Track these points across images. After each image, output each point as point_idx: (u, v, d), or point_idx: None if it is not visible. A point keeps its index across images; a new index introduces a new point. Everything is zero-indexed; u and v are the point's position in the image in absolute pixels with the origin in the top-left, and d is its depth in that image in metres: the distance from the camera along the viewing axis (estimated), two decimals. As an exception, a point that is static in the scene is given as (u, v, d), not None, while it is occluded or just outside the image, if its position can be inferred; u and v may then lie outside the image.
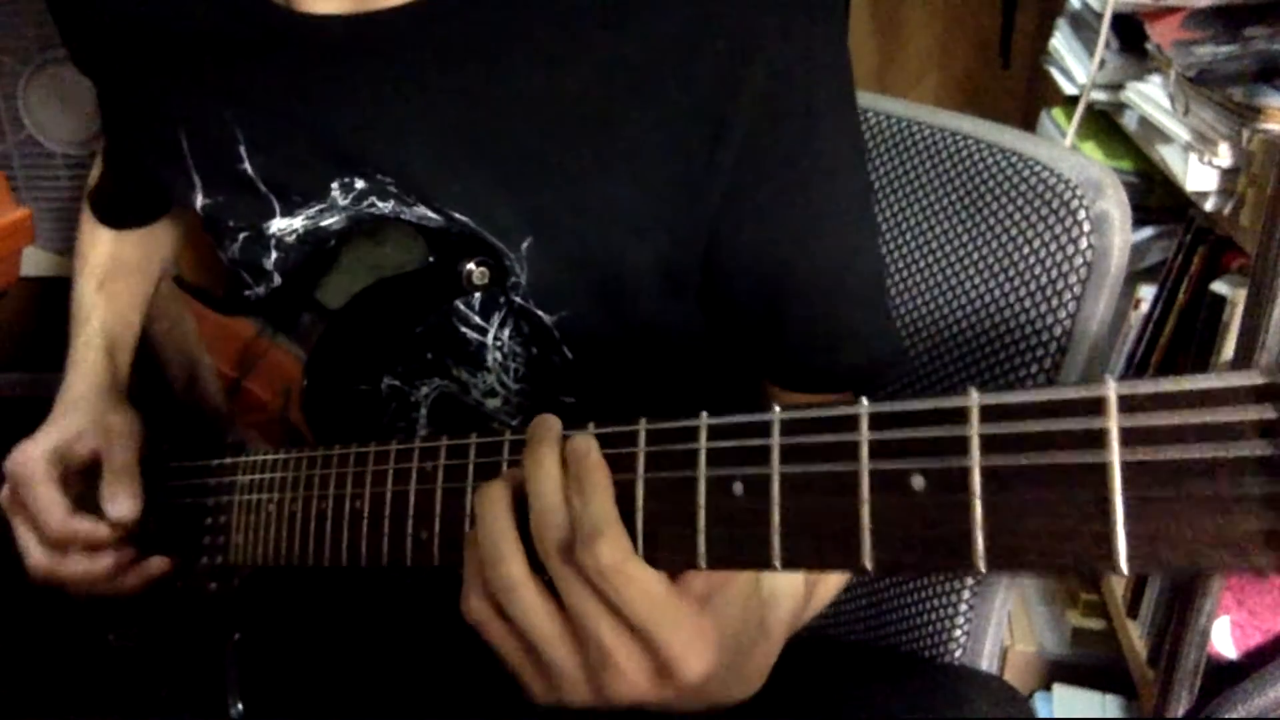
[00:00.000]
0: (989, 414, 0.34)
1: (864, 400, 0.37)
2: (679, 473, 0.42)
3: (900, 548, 0.35)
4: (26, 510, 0.74)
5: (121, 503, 0.73)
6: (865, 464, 0.36)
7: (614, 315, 0.67)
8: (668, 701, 0.45)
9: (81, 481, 0.75)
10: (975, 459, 0.33)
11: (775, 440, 0.39)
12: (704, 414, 0.42)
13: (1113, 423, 0.31)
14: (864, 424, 0.37)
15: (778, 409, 0.40)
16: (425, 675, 0.78)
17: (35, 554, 0.74)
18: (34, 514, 0.73)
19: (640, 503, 0.43)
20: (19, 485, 0.74)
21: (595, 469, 0.44)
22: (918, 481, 0.35)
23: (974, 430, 0.34)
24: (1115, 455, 0.31)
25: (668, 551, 0.43)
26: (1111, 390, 0.31)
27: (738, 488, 0.40)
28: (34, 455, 0.74)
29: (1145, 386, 0.30)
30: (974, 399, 0.34)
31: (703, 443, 0.42)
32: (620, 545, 0.42)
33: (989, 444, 0.33)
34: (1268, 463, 0.28)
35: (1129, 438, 0.31)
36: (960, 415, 0.34)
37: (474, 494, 0.48)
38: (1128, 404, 0.31)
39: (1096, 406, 0.31)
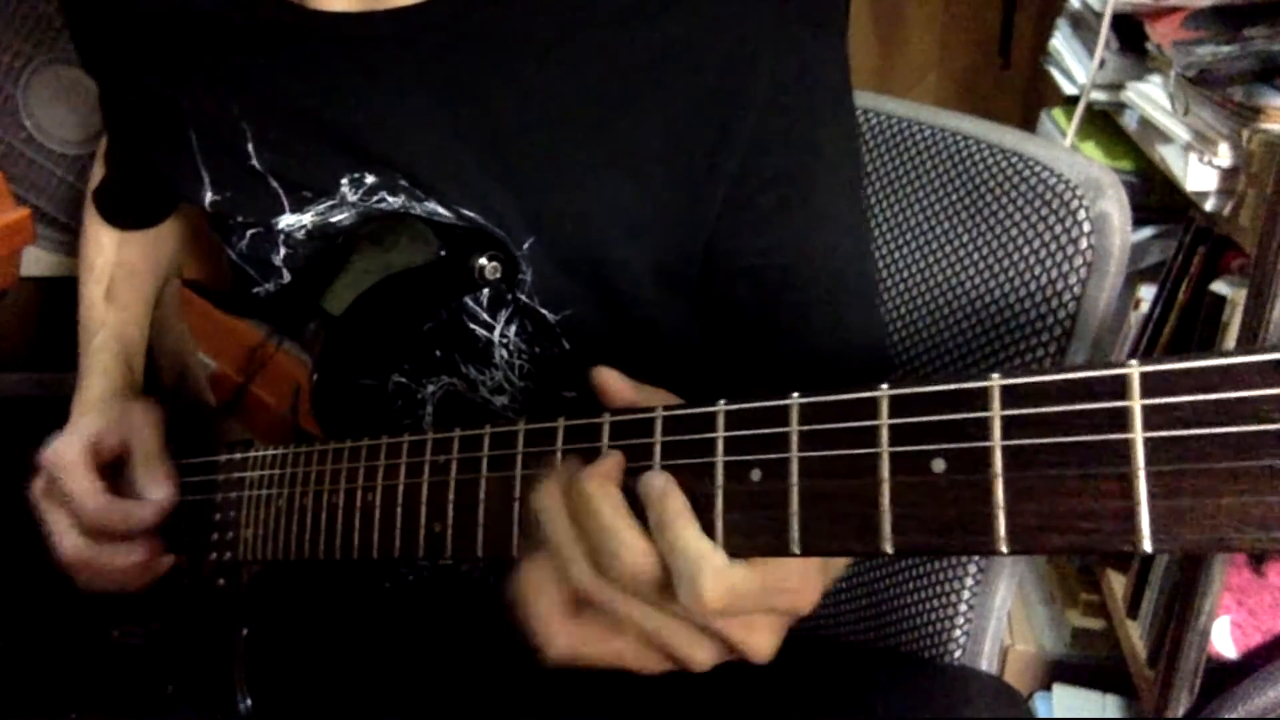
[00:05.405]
0: (1010, 396, 0.34)
1: (884, 385, 0.37)
2: (696, 459, 0.42)
3: (920, 530, 0.36)
4: (63, 499, 0.74)
5: (160, 485, 0.73)
6: (886, 448, 0.37)
7: (614, 315, 0.67)
8: None
9: (109, 476, 0.75)
10: (997, 439, 0.34)
11: (794, 427, 0.39)
12: (721, 401, 0.42)
13: (1136, 403, 0.31)
14: (884, 408, 0.37)
15: (796, 394, 0.40)
16: (432, 672, 0.78)
17: (71, 542, 0.74)
18: (73, 500, 0.73)
19: None
20: (56, 475, 0.73)
21: (677, 510, 0.42)
22: (938, 464, 0.35)
23: (995, 411, 0.34)
24: (1139, 434, 0.31)
25: None
26: (1135, 370, 0.31)
27: (755, 474, 0.40)
28: (69, 445, 0.74)
29: (1168, 366, 0.31)
30: (995, 380, 0.34)
31: (720, 430, 0.42)
32: (724, 581, 0.40)
33: (1010, 425, 0.34)
34: None
35: (1152, 416, 0.31)
36: (981, 397, 0.34)
37: (538, 502, 0.46)
38: (1151, 383, 0.31)
39: (1120, 387, 0.31)
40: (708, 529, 0.41)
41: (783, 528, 0.39)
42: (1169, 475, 0.30)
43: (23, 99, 1.27)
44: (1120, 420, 0.31)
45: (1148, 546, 0.30)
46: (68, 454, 0.73)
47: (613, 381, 0.50)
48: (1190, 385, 0.30)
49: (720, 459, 0.41)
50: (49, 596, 0.80)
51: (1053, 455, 0.33)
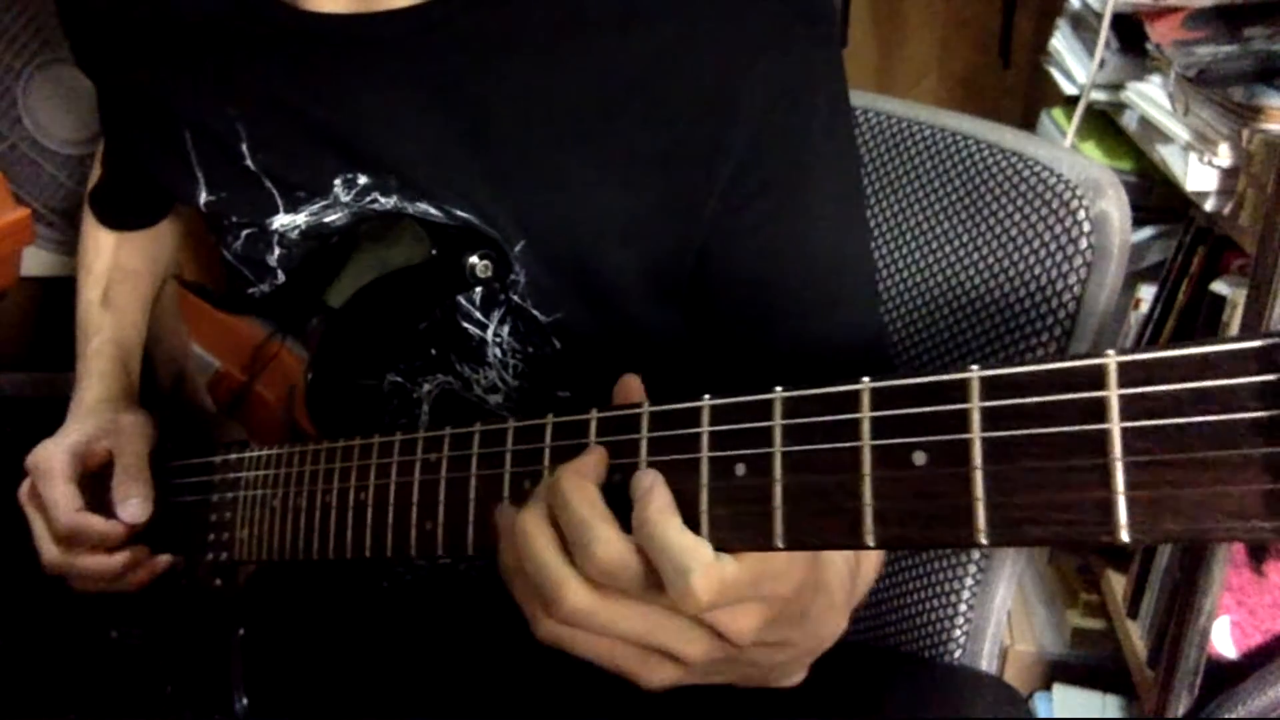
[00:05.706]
0: (990, 388, 0.34)
1: (865, 378, 0.37)
2: (681, 454, 0.42)
3: (902, 523, 0.36)
4: (42, 504, 0.74)
5: (132, 503, 0.74)
6: (867, 441, 0.37)
7: (605, 319, 0.67)
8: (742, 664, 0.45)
9: (97, 483, 0.76)
10: (976, 431, 0.34)
11: (777, 421, 0.39)
12: (706, 396, 0.42)
13: (1113, 393, 0.31)
14: (865, 401, 0.37)
15: (780, 389, 0.40)
16: (428, 671, 0.78)
17: (48, 548, 0.75)
18: (48, 509, 0.73)
19: None
20: (37, 480, 0.74)
21: (660, 506, 0.42)
22: (919, 457, 0.35)
23: (975, 404, 0.34)
24: (1116, 424, 0.31)
25: None
26: (1112, 361, 0.31)
27: (740, 468, 0.40)
28: (54, 452, 0.74)
29: (1145, 356, 0.31)
30: (975, 373, 0.34)
31: (705, 425, 0.42)
32: (714, 576, 0.40)
33: (990, 417, 0.34)
34: (1267, 426, 0.28)
35: (1129, 406, 0.31)
36: (961, 390, 0.34)
37: (510, 523, 0.45)
38: (1128, 374, 0.31)
39: (1097, 377, 0.31)
40: (693, 524, 0.41)
41: (767, 523, 0.39)
42: (1147, 466, 0.30)
43: (23, 99, 1.27)
44: (1098, 411, 0.31)
45: (1125, 537, 0.30)
46: (50, 460, 0.74)
47: (638, 387, 0.50)
48: (1168, 375, 0.30)
49: (705, 454, 0.42)
50: (48, 596, 0.80)
51: (1032, 447, 0.33)
